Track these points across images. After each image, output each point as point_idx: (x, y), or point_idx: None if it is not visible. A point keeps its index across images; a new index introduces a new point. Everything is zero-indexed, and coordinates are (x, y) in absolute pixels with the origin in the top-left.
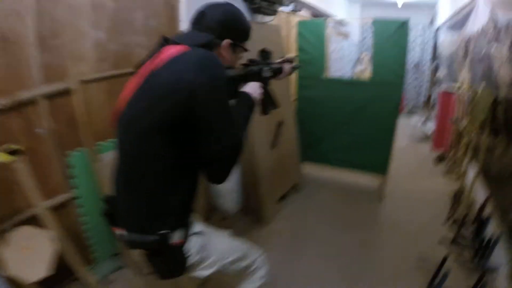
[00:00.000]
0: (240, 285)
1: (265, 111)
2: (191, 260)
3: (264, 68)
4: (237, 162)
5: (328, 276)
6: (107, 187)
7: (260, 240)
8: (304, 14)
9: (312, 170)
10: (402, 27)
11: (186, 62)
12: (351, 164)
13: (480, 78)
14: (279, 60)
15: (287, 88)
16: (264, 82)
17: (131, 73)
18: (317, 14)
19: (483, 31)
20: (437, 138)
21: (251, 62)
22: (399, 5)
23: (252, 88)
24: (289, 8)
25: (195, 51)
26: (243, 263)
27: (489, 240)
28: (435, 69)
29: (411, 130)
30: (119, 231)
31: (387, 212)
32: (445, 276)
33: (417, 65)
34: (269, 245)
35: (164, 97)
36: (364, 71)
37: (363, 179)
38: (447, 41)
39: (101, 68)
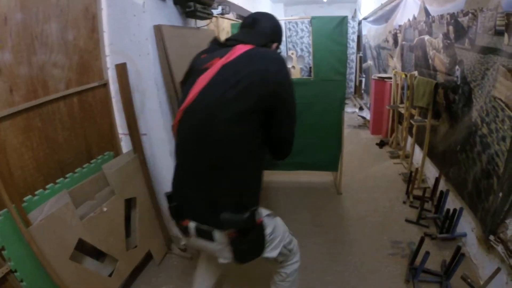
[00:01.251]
0: (285, 265)
1: None
2: (267, 239)
3: None
4: None
5: (310, 286)
6: (50, 253)
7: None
8: (230, 17)
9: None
10: (341, 23)
11: (268, 58)
12: (302, 166)
13: (413, 66)
14: None
15: None
16: None
17: (54, 100)
18: (243, 16)
19: (413, 22)
20: (374, 124)
21: None
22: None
23: None
24: (218, 11)
25: (268, 49)
26: (291, 245)
27: (453, 211)
28: (361, 60)
29: (348, 117)
30: (191, 223)
31: (349, 207)
32: (427, 254)
33: None
34: (241, 268)
35: (253, 86)
36: (294, 68)
37: (316, 176)
38: (372, 33)
39: (12, 101)
